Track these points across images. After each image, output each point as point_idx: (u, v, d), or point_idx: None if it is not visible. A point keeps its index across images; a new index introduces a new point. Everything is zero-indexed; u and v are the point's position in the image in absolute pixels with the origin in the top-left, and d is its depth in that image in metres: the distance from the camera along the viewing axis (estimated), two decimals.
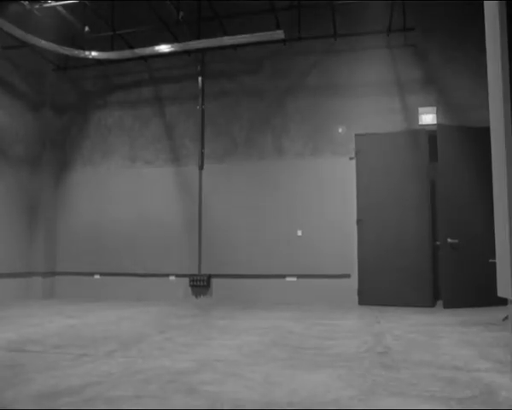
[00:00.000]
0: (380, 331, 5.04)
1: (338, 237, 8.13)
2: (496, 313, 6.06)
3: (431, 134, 7.68)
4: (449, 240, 7.21)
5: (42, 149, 9.69)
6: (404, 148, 7.77)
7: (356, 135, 8.19)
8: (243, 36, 8.00)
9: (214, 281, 8.70)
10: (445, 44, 8.11)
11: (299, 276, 8.27)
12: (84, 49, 8.73)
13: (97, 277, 9.29)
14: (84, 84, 9.91)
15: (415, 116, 8.04)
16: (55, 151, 9.82)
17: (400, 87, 8.21)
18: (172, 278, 8.89)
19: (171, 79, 9.39)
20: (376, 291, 7.65)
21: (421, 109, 8.03)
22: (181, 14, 7.83)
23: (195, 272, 8.75)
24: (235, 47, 8.72)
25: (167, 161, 9.21)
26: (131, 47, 8.70)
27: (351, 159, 8.19)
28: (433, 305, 7.35)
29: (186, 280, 8.79)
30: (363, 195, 8.00)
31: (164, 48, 8.44)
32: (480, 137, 7.25)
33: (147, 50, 8.58)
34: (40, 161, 9.63)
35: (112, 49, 8.93)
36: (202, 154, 9.00)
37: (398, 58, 8.28)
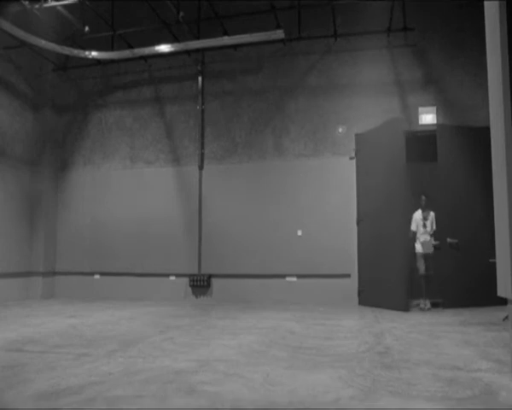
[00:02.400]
0: (380, 331, 5.04)
1: (338, 237, 8.13)
2: (496, 313, 6.06)
3: (431, 134, 7.67)
4: (449, 240, 7.20)
5: (42, 149, 9.67)
6: (389, 144, 7.54)
7: (356, 135, 8.18)
8: (243, 36, 8.00)
9: (214, 281, 8.69)
10: (445, 44, 8.11)
11: (299, 276, 8.26)
12: (84, 49, 8.72)
13: (97, 277, 9.29)
14: (84, 84, 9.90)
15: (415, 116, 8.03)
16: (55, 151, 9.81)
17: (400, 87, 8.20)
18: (172, 277, 8.89)
19: (171, 79, 9.39)
20: (376, 292, 7.63)
21: (421, 109, 8.02)
22: (181, 14, 7.82)
23: (195, 272, 8.74)
24: (235, 47, 8.71)
25: (167, 162, 9.20)
26: (131, 47, 8.69)
27: (351, 159, 8.19)
28: (406, 309, 6.81)
29: (186, 280, 8.78)
30: (362, 195, 7.98)
31: (164, 48, 8.43)
32: (480, 137, 7.22)
33: (147, 50, 8.58)
34: (40, 161, 9.62)
35: (112, 49, 8.92)
36: (202, 154, 8.99)
37: (398, 58, 8.28)
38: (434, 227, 7.49)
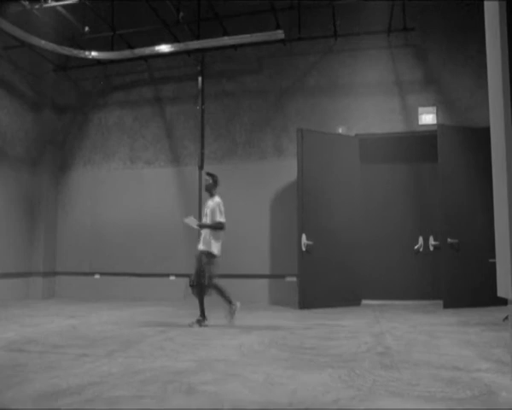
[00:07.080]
0: (380, 332, 5.04)
1: None
2: (496, 313, 6.06)
3: (431, 134, 7.66)
4: (449, 240, 7.19)
5: (42, 149, 9.66)
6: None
7: (356, 135, 8.17)
8: (243, 36, 7.99)
9: (214, 281, 8.66)
10: (445, 44, 8.10)
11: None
12: (84, 49, 8.72)
13: (97, 277, 9.28)
14: (84, 85, 9.90)
15: (415, 116, 8.03)
16: (55, 151, 9.80)
17: (400, 87, 8.20)
18: (172, 277, 8.88)
19: (171, 79, 9.38)
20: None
21: (421, 109, 8.02)
22: (181, 14, 7.82)
23: None
24: (235, 47, 8.70)
25: (167, 162, 9.20)
26: (131, 47, 8.68)
27: None
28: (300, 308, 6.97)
29: (186, 280, 8.76)
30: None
31: (164, 48, 8.43)
32: (480, 137, 7.22)
33: (147, 50, 8.57)
34: (40, 161, 9.60)
35: (112, 49, 8.91)
36: (202, 154, 8.99)
37: (398, 58, 8.27)
38: (218, 219, 5.90)
